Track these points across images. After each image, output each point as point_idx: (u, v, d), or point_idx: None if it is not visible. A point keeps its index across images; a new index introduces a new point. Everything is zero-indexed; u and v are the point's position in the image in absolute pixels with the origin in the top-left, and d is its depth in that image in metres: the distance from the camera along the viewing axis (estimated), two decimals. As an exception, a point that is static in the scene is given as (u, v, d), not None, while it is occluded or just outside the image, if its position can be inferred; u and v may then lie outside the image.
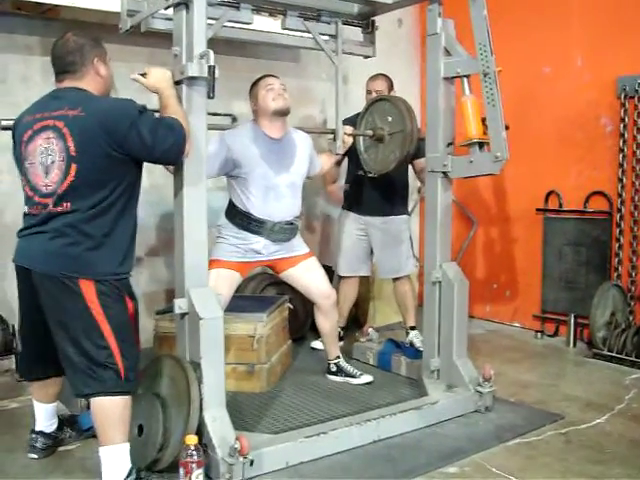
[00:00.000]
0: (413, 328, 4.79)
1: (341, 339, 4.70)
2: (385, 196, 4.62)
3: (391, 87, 4.67)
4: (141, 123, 2.59)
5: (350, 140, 4.06)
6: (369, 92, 4.64)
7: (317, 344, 4.69)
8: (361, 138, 4.22)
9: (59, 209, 2.59)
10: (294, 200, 3.79)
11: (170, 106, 2.75)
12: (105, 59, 2.81)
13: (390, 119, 4.03)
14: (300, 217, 3.93)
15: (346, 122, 4.11)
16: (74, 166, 2.56)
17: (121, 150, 2.59)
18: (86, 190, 2.58)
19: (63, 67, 2.73)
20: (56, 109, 2.63)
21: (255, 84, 3.76)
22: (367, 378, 4.03)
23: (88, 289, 2.57)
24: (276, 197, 3.68)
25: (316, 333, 4.38)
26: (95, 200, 2.59)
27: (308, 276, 3.88)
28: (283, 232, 3.74)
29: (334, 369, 4.09)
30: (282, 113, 3.69)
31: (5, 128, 2.93)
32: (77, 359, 2.60)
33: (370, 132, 4.11)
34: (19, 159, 2.74)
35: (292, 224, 3.78)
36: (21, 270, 2.73)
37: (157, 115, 2.74)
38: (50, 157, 2.60)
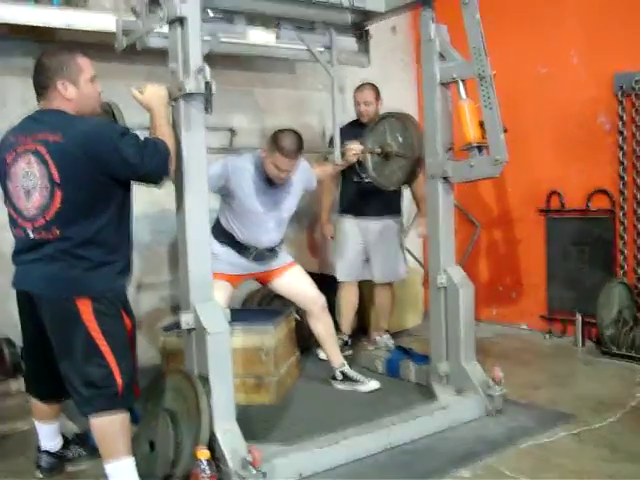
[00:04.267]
0: (387, 331, 4.96)
1: (346, 344, 4.75)
2: (380, 198, 4.65)
3: (378, 96, 4.69)
4: (123, 145, 2.57)
5: (354, 159, 4.10)
6: (358, 103, 4.67)
7: (323, 354, 4.68)
8: (369, 156, 4.23)
9: (50, 236, 2.59)
10: (279, 232, 3.92)
11: (160, 127, 2.76)
12: (76, 79, 2.70)
13: (401, 140, 4.04)
14: (282, 243, 4.01)
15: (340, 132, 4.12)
16: (59, 193, 2.56)
17: (106, 174, 2.58)
18: (75, 215, 2.59)
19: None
20: (37, 132, 2.62)
21: (276, 143, 3.59)
22: (374, 384, 4.03)
23: (85, 308, 2.59)
24: (262, 231, 3.81)
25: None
26: (86, 226, 2.60)
27: (294, 284, 3.99)
28: (264, 257, 3.90)
29: (340, 377, 4.10)
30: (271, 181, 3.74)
31: None
32: (77, 381, 2.62)
33: (378, 150, 4.14)
34: (4, 179, 2.73)
35: (273, 250, 3.92)
36: (21, 294, 2.76)
37: (144, 137, 2.72)
38: (31, 181, 2.60)
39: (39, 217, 2.61)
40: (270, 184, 3.74)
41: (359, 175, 4.52)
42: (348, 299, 4.81)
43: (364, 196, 4.62)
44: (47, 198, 2.58)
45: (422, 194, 4.88)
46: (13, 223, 2.72)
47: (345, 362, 4.13)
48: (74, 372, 2.63)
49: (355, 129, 4.55)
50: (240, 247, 3.83)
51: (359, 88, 4.70)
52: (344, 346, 4.73)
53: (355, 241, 4.77)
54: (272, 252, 3.91)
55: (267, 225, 3.80)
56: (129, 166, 2.58)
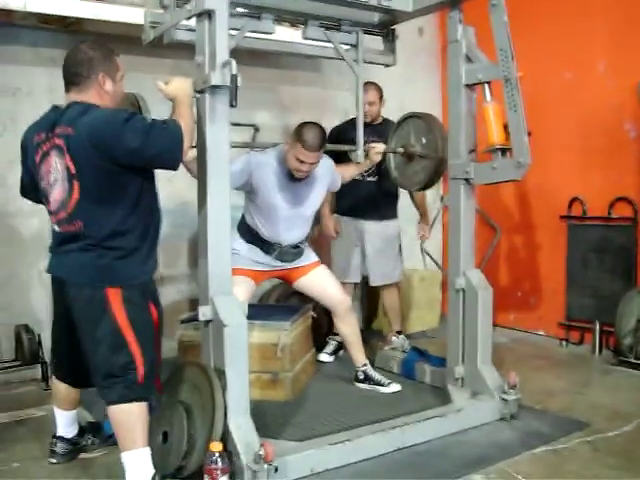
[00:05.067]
0: (399, 332, 4.93)
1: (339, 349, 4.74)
2: (379, 200, 4.68)
3: (381, 96, 4.71)
4: (126, 130, 2.54)
5: (379, 158, 4.08)
6: None
7: (324, 357, 4.71)
8: (391, 156, 4.23)
9: (73, 228, 2.63)
10: (304, 229, 3.91)
11: (179, 110, 2.74)
12: (114, 75, 2.76)
13: (424, 140, 4.03)
14: (307, 239, 3.99)
15: (334, 131, 4.10)
16: (76, 184, 2.59)
17: (114, 162, 2.57)
18: (93, 206, 2.61)
19: (69, 78, 2.73)
20: (57, 127, 2.64)
21: (299, 135, 3.59)
22: (395, 387, 4.02)
23: (115, 297, 2.62)
24: (287, 227, 3.80)
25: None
26: (107, 217, 2.62)
27: (320, 283, 3.97)
28: (289, 254, 3.88)
29: (362, 377, 4.09)
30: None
31: None
32: (100, 367, 2.65)
33: (401, 150, 4.13)
34: (35, 175, 2.78)
35: (298, 247, 3.90)
36: (55, 281, 2.81)
37: (152, 119, 2.70)
38: (53, 175, 2.65)
39: (61, 210, 2.65)
40: (293, 179, 3.73)
41: (361, 173, 4.48)
42: None
43: (363, 197, 4.58)
44: (67, 191, 2.61)
45: (421, 199, 4.90)
46: (50, 218, 2.77)
47: (367, 363, 4.12)
48: (98, 359, 2.65)
49: (354, 129, 4.56)
50: (264, 244, 3.83)
51: (363, 87, 4.66)
52: (339, 349, 4.74)
53: (352, 243, 4.78)
54: (296, 249, 3.90)
55: (291, 222, 3.79)
56: (132, 150, 2.55)
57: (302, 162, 3.62)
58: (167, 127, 2.63)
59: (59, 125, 2.63)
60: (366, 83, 4.58)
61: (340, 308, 3.97)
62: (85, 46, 2.75)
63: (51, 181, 2.67)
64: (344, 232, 4.80)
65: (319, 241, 5.08)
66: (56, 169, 2.63)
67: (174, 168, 2.70)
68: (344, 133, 4.18)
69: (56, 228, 2.70)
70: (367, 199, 4.63)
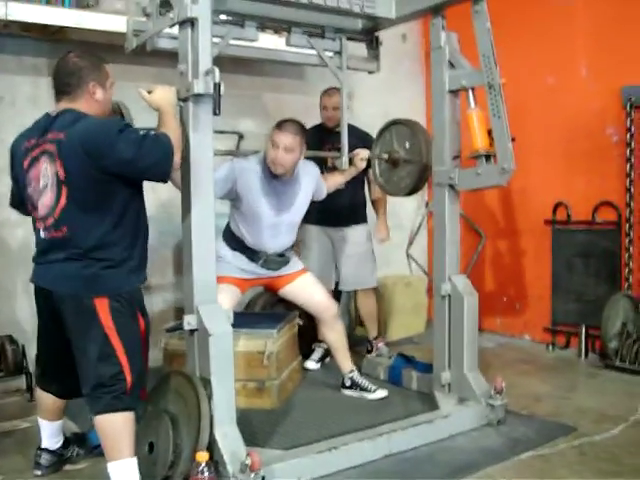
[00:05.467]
0: (376, 338, 4.94)
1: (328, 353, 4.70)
2: (346, 206, 4.66)
3: None
4: (120, 141, 2.55)
5: (364, 164, 4.06)
6: (325, 108, 4.66)
7: (310, 364, 4.69)
8: (376, 162, 4.23)
9: (59, 234, 2.62)
10: (290, 236, 3.88)
11: (166, 122, 2.75)
12: (104, 83, 2.79)
13: (408, 146, 4.03)
14: (292, 247, 3.97)
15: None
16: (64, 190, 2.59)
17: (105, 170, 2.57)
18: (80, 214, 2.60)
19: (60, 87, 2.75)
20: (48, 133, 2.65)
21: (275, 124, 3.66)
22: (382, 393, 4.01)
23: (102, 307, 2.61)
24: (273, 234, 3.77)
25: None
26: (93, 226, 2.61)
27: (307, 291, 3.95)
28: (275, 262, 3.84)
29: (348, 383, 4.08)
30: (277, 177, 3.69)
31: None
32: (88, 377, 2.63)
33: (385, 156, 4.12)
34: (20, 182, 2.78)
35: (284, 255, 3.87)
36: (39, 290, 2.78)
37: (144, 131, 2.71)
38: (43, 180, 2.64)
39: (49, 216, 2.64)
40: (277, 184, 3.71)
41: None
42: None
43: (330, 204, 4.52)
44: (55, 196, 2.61)
45: (377, 196, 4.89)
46: (34, 227, 2.77)
47: (355, 369, 4.11)
48: (86, 369, 2.64)
49: (321, 134, 4.57)
50: (250, 252, 3.79)
51: (327, 92, 4.64)
52: (326, 356, 4.73)
53: (323, 249, 4.76)
54: (282, 258, 3.86)
55: (276, 229, 3.76)
56: (125, 161, 2.56)
57: (276, 146, 3.57)
58: (158, 140, 2.63)
59: (51, 131, 2.64)
60: (331, 88, 4.58)
61: (327, 315, 3.96)
62: (74, 56, 2.77)
63: (40, 186, 2.65)
64: (315, 240, 4.76)
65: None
66: (46, 174, 2.63)
67: (164, 181, 2.73)
68: (312, 138, 4.15)
69: (42, 235, 2.68)
70: (336, 206, 4.54)
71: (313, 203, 4.42)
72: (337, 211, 4.62)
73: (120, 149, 2.54)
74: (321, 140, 4.45)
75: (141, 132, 2.66)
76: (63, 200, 2.59)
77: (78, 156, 2.55)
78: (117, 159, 2.55)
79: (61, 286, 2.65)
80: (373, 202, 4.96)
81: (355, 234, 4.78)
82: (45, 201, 2.65)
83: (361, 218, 4.85)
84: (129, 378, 2.63)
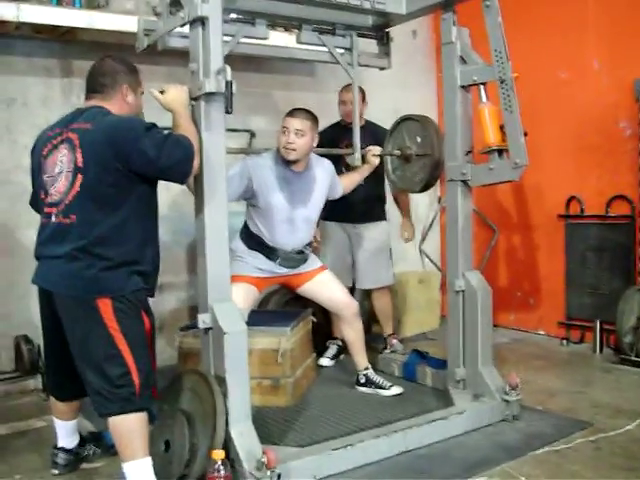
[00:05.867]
0: (391, 335, 4.92)
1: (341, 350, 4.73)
2: (366, 203, 4.66)
3: (364, 97, 4.67)
4: (146, 138, 2.60)
5: (377, 161, 4.06)
6: (344, 102, 4.65)
7: (324, 361, 4.69)
8: (389, 159, 4.22)
9: (66, 221, 2.62)
10: (308, 232, 3.86)
11: (182, 125, 2.77)
12: (136, 89, 2.88)
13: (419, 140, 4.03)
14: (311, 244, 3.95)
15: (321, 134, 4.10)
16: (80, 177, 2.61)
17: (125, 165, 2.60)
18: (91, 204, 2.61)
19: (94, 86, 2.82)
20: (73, 123, 2.70)
21: (285, 115, 3.70)
22: (397, 390, 4.01)
23: (106, 307, 2.60)
24: (290, 230, 3.74)
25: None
26: (102, 219, 2.61)
27: (327, 288, 3.93)
28: (293, 260, 3.82)
29: (363, 380, 4.08)
30: (291, 162, 3.68)
31: None
32: (95, 380, 2.63)
33: (398, 152, 4.11)
34: (37, 172, 2.80)
35: (303, 252, 3.85)
36: (42, 291, 2.78)
37: (167, 132, 2.74)
38: (59, 166, 2.67)
39: (61, 202, 2.65)
40: (292, 179, 3.70)
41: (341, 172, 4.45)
42: None
43: (350, 201, 4.55)
44: (70, 182, 2.62)
45: (404, 201, 4.90)
46: (43, 214, 2.76)
47: (369, 366, 4.11)
48: (92, 371, 2.63)
49: (338, 131, 4.56)
50: (268, 250, 3.76)
51: (346, 87, 4.63)
52: (340, 353, 4.74)
53: (341, 247, 4.77)
54: (301, 255, 3.84)
55: (294, 224, 3.74)
56: (148, 159, 2.59)
57: (286, 131, 3.60)
58: (180, 141, 2.66)
59: (76, 122, 2.70)
60: (349, 84, 4.57)
61: (347, 312, 3.94)
62: (112, 59, 2.87)
63: (55, 172, 2.68)
64: (332, 237, 4.78)
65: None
66: (62, 161, 2.66)
67: (182, 182, 2.80)
68: (327, 136, 4.16)
69: (52, 219, 2.67)
70: (354, 202, 4.56)
71: (332, 200, 4.42)
72: (355, 208, 4.63)
73: (145, 146, 2.58)
74: (339, 137, 4.45)
75: (165, 132, 2.70)
76: (77, 187, 2.61)
77: (101, 146, 2.59)
78: (141, 156, 2.59)
79: (63, 287, 2.64)
80: (395, 199, 4.96)
81: (373, 231, 4.78)
82: (59, 187, 2.66)
83: (379, 215, 4.84)
84: (137, 379, 2.62)
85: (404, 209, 4.98)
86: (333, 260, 4.70)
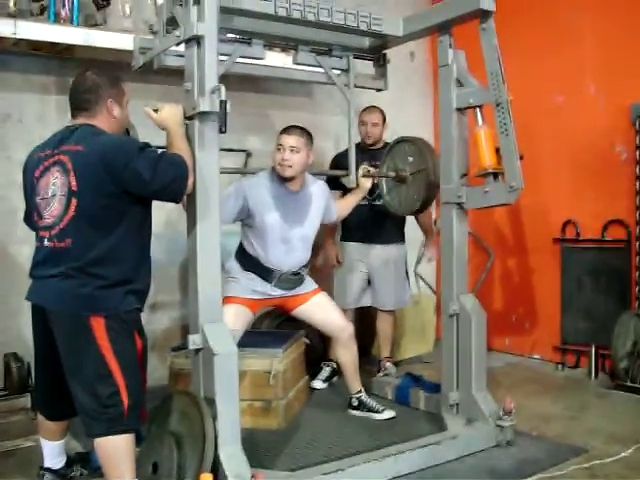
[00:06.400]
0: (386, 358, 4.90)
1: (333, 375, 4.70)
2: (384, 224, 4.65)
3: (384, 119, 4.71)
4: (139, 159, 2.58)
5: (368, 183, 4.05)
6: (364, 123, 4.67)
7: (317, 384, 4.64)
8: (384, 180, 4.21)
9: (62, 245, 2.60)
10: (304, 252, 3.82)
11: (176, 144, 2.76)
12: (121, 100, 2.84)
13: (411, 159, 4.03)
14: (307, 265, 3.92)
15: (335, 158, 4.08)
16: (74, 201, 2.59)
17: (120, 186, 2.58)
18: (86, 227, 2.59)
19: (78, 104, 2.79)
20: (64, 144, 2.67)
21: (280, 132, 3.70)
22: (389, 413, 3.97)
23: (98, 326, 2.57)
24: (287, 250, 3.72)
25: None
26: (98, 240, 2.60)
27: (322, 311, 3.89)
28: (289, 282, 3.79)
29: (355, 403, 4.04)
30: (287, 180, 3.67)
31: None
32: (84, 399, 2.60)
33: (393, 173, 4.10)
34: (30, 194, 2.78)
35: (299, 274, 3.81)
36: (36, 308, 2.75)
37: (161, 151, 2.72)
38: (52, 190, 2.64)
39: (55, 226, 2.62)
40: (288, 198, 3.68)
41: (367, 198, 4.48)
42: None
43: (370, 221, 4.57)
44: (64, 206, 2.60)
45: (426, 222, 4.88)
46: (36, 236, 2.75)
47: (362, 390, 4.07)
48: (82, 390, 2.60)
49: (358, 152, 4.55)
50: (264, 271, 3.72)
51: (367, 109, 4.69)
52: (333, 375, 4.70)
53: (358, 268, 4.74)
54: (297, 276, 3.80)
55: (291, 244, 3.71)
56: (142, 180, 2.57)
57: (281, 149, 3.59)
58: (174, 161, 2.65)
59: (67, 143, 2.67)
60: (370, 106, 4.64)
61: (343, 335, 3.90)
62: (92, 73, 2.81)
63: (49, 195, 2.65)
64: (347, 258, 4.77)
65: (324, 269, 5.06)
66: (55, 184, 2.63)
67: (176, 202, 2.79)
68: (346, 157, 4.16)
69: (46, 243, 2.65)
70: (373, 223, 4.60)
71: (352, 220, 4.43)
72: (374, 229, 4.64)
73: (139, 167, 2.56)
74: (359, 159, 4.43)
75: (158, 152, 2.68)
76: (71, 211, 2.59)
77: (94, 168, 2.57)
78: (135, 177, 2.57)
79: (57, 304, 2.61)
80: (416, 218, 4.88)
81: (395, 253, 4.77)
82: (52, 211, 2.64)
83: (400, 237, 4.83)
84: (126, 400, 2.59)
85: (426, 229, 4.93)
86: (344, 281, 4.71)
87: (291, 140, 3.60)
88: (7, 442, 3.67)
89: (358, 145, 4.72)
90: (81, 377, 2.60)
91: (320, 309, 3.89)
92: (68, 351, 2.63)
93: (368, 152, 4.36)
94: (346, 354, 3.96)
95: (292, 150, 3.59)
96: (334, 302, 4.01)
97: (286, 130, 3.65)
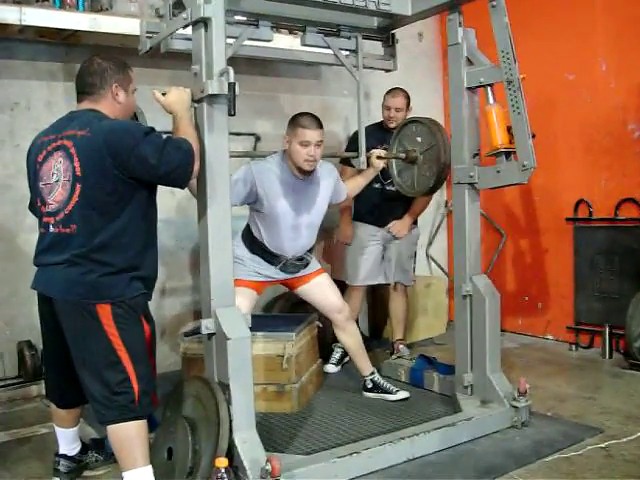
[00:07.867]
0: (399, 340, 4.89)
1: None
2: (400, 207, 4.65)
3: (409, 103, 4.66)
4: (145, 143, 2.55)
5: (381, 164, 4.01)
6: (388, 108, 4.61)
7: (330, 368, 4.65)
8: (394, 162, 4.18)
9: (67, 230, 2.58)
10: (310, 238, 3.82)
11: (182, 128, 2.74)
12: (127, 86, 2.80)
13: (420, 139, 3.99)
14: (312, 250, 3.91)
15: (356, 135, 4.04)
16: (78, 186, 2.56)
17: (125, 172, 2.56)
18: (91, 213, 2.57)
19: (83, 88, 2.76)
20: (67, 129, 2.65)
21: (295, 123, 3.58)
22: (403, 394, 3.97)
23: (105, 313, 2.56)
24: (293, 237, 3.71)
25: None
26: (103, 226, 2.58)
27: (320, 291, 3.91)
28: (294, 266, 3.81)
29: (370, 385, 4.04)
30: (303, 172, 3.64)
31: None
32: (94, 387, 2.59)
33: (403, 155, 4.07)
34: (33, 180, 2.76)
35: (303, 259, 3.82)
36: (42, 297, 2.75)
37: (167, 136, 2.69)
38: (55, 175, 2.62)
39: (60, 211, 2.60)
40: (297, 185, 3.66)
41: (381, 181, 4.46)
42: (354, 306, 4.63)
43: (384, 203, 4.56)
44: (68, 192, 2.58)
45: (418, 207, 4.83)
46: (39, 223, 2.73)
47: (375, 371, 4.07)
48: (91, 378, 2.59)
49: (379, 133, 4.52)
50: (269, 256, 3.73)
51: (391, 92, 4.62)
52: (345, 355, 4.67)
53: (372, 248, 4.72)
54: (301, 261, 3.81)
55: (297, 231, 3.70)
56: (147, 165, 2.54)
57: (308, 145, 3.52)
58: (180, 146, 2.62)
59: (71, 127, 2.64)
60: (395, 89, 4.63)
61: (339, 317, 3.91)
62: (99, 58, 2.79)
63: (52, 181, 2.63)
64: (358, 236, 4.74)
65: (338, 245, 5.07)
66: (59, 169, 2.61)
67: (182, 187, 2.74)
68: (370, 136, 4.12)
69: (51, 229, 2.63)
70: (388, 207, 4.60)
71: (366, 203, 4.48)
72: (392, 212, 4.67)
73: (144, 151, 2.54)
74: (379, 140, 4.38)
75: (164, 137, 2.65)
76: (76, 197, 2.57)
77: (99, 153, 2.54)
78: (140, 162, 2.54)
79: (62, 292, 2.60)
80: (415, 202, 4.82)
81: (411, 236, 4.82)
82: (56, 196, 2.62)
83: (415, 220, 4.86)
84: (136, 386, 2.58)
85: (414, 211, 4.88)
86: (361, 260, 4.70)
87: (316, 135, 3.54)
88: (23, 429, 3.69)
89: (380, 124, 4.69)
90: (90, 365, 2.59)
91: (318, 289, 3.91)
92: (76, 339, 2.62)
93: (390, 133, 4.32)
94: (346, 337, 3.98)
95: (317, 145, 3.56)
96: (334, 284, 4.00)
97: (306, 124, 3.53)
